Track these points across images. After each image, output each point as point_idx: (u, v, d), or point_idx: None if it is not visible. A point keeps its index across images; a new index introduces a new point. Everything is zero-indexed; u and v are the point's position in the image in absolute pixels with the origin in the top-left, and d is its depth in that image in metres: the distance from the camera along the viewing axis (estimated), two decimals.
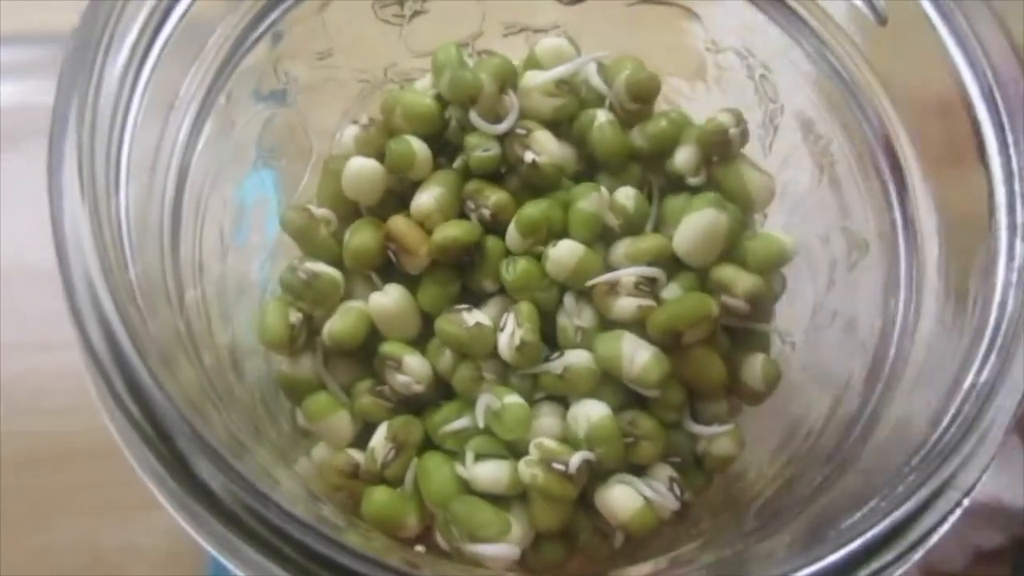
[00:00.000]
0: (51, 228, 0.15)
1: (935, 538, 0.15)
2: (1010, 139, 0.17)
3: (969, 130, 0.17)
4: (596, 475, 0.21)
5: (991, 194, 0.17)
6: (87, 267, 0.15)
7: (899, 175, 0.20)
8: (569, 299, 0.22)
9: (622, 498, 0.21)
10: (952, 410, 0.16)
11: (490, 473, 0.21)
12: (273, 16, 0.20)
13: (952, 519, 0.15)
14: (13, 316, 0.29)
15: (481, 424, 0.21)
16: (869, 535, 0.15)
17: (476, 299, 0.22)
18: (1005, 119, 0.17)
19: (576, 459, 0.20)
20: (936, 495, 0.15)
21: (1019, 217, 0.17)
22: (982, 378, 0.16)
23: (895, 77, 0.20)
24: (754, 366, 0.22)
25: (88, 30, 0.16)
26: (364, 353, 0.22)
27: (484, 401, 0.21)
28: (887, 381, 0.19)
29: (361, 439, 0.22)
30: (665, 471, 0.22)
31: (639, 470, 0.22)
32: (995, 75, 0.17)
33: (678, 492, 0.21)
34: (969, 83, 0.17)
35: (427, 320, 0.22)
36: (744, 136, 0.22)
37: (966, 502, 0.15)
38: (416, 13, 0.23)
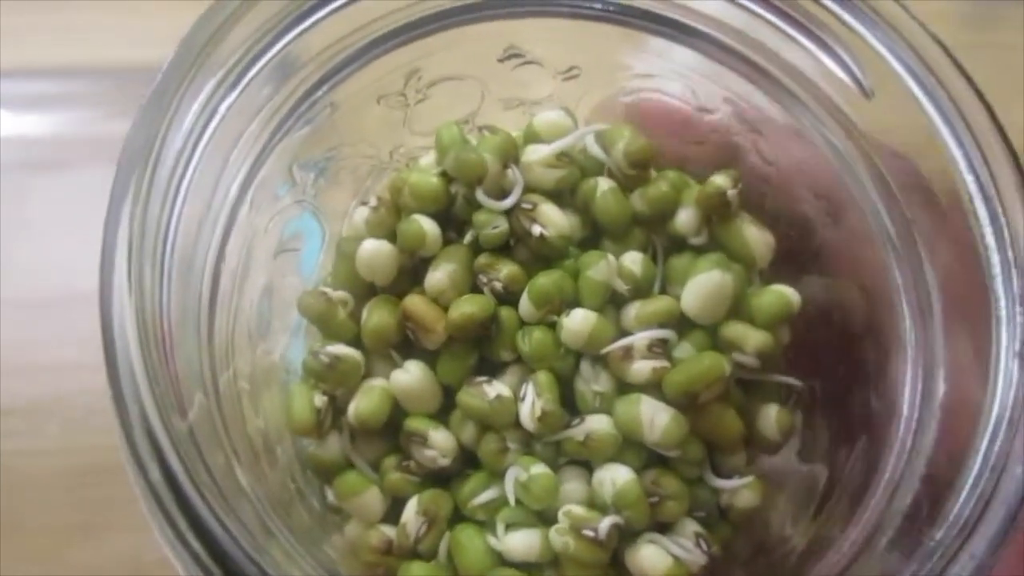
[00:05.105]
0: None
1: None
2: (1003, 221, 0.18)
3: (963, 208, 0.18)
4: (624, 535, 0.22)
5: (989, 272, 0.17)
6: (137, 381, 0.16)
7: (904, 241, 0.21)
8: (585, 365, 0.22)
9: (652, 558, 0.21)
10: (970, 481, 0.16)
11: (522, 543, 0.21)
12: (287, 125, 0.21)
13: None
14: (71, 338, 0.30)
15: (512, 501, 0.22)
16: None
17: (494, 368, 0.23)
18: (996, 199, 0.18)
19: (605, 524, 0.21)
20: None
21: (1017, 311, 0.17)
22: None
23: (885, 147, 0.20)
24: (769, 416, 0.23)
25: (135, 150, 0.18)
26: (389, 429, 0.23)
27: (512, 474, 0.22)
28: (902, 445, 0.19)
29: (392, 514, 0.23)
30: (691, 526, 0.22)
31: (665, 526, 0.22)
32: (983, 154, 0.18)
33: (705, 547, 0.22)
34: (961, 163, 0.18)
35: (448, 391, 0.23)
36: (743, 195, 0.23)
37: None
38: (420, 100, 0.24)
